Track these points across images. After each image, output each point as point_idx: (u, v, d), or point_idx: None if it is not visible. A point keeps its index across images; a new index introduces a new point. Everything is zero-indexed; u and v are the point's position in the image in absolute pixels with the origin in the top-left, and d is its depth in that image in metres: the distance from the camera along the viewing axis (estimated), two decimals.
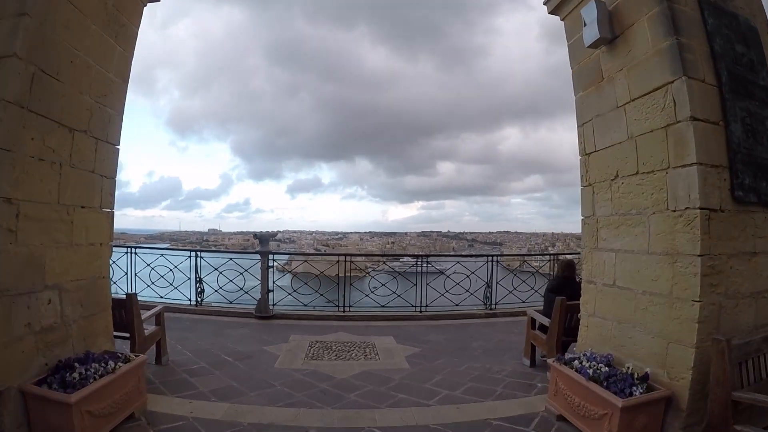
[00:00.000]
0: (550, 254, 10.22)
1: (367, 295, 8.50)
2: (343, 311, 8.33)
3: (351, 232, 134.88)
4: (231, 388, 4.68)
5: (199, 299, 8.79)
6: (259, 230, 8.36)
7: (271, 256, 8.15)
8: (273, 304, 8.33)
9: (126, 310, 4.90)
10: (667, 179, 3.76)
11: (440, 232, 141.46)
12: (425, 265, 8.56)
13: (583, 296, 4.67)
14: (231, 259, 8.56)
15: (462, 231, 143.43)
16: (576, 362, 4.03)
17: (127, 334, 4.93)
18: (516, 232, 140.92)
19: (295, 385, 4.80)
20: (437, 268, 8.77)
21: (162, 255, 9.20)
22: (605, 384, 3.67)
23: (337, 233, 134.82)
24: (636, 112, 4.10)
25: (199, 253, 8.73)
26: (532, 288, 9.76)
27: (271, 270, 8.15)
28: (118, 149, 4.59)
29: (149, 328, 5.40)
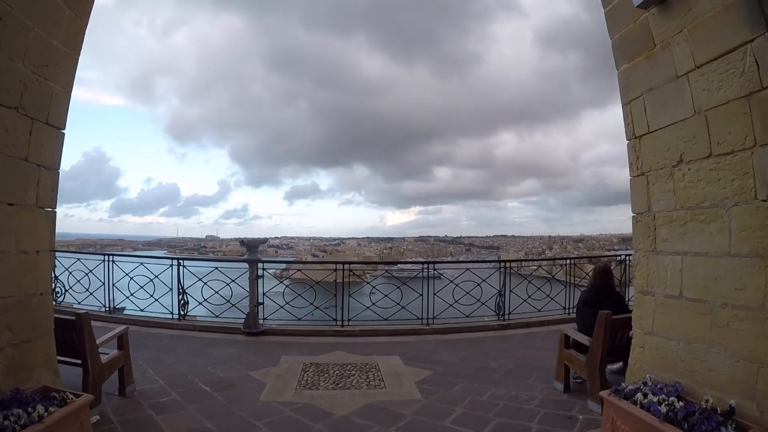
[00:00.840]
0: (568, 258, 9.32)
1: (368, 308, 7.58)
2: (342, 326, 7.42)
3: (349, 238, 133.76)
4: None
5: (182, 312, 7.88)
6: (249, 236, 7.47)
7: (260, 265, 7.24)
8: (263, 319, 7.42)
9: (77, 333, 3.99)
10: (754, 160, 2.90)
11: (438, 236, 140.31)
12: (431, 271, 7.64)
13: (637, 310, 3.80)
14: (216, 268, 7.64)
15: (459, 235, 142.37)
16: (639, 395, 3.15)
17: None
18: (513, 235, 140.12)
19: (284, 427, 3.89)
20: (446, 276, 7.85)
21: (141, 263, 8.27)
22: (685, 426, 2.79)
23: (334, 239, 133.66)
24: (704, 81, 3.24)
25: (181, 261, 7.82)
26: (548, 296, 8.90)
27: (260, 280, 7.24)
28: (63, 134, 3.71)
29: (109, 353, 4.50)
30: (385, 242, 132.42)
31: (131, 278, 8.22)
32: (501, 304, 8.29)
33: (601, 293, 4.96)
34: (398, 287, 7.61)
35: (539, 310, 8.75)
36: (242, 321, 7.24)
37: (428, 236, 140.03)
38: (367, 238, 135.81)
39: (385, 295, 7.63)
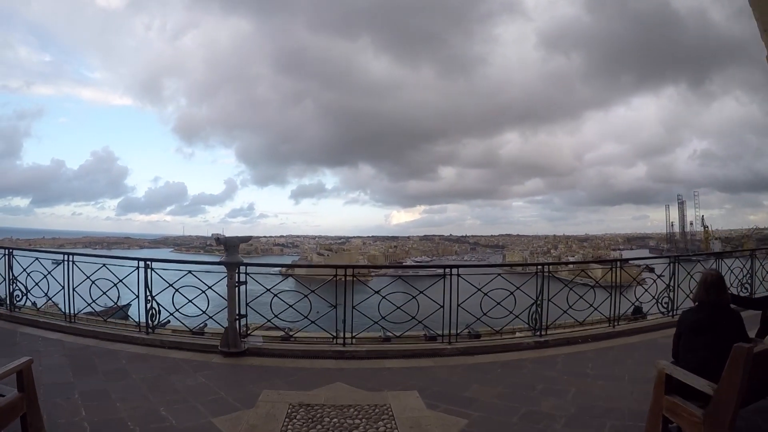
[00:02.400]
0: (615, 260, 7.68)
1: (376, 323, 6.01)
2: (343, 343, 5.86)
3: (354, 237, 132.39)
4: None
5: (151, 323, 6.38)
6: (237, 233, 5.97)
7: (242, 269, 5.70)
8: (247, 334, 5.90)
9: None
10: None
11: (442, 235, 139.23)
12: (453, 276, 6.05)
13: None
14: (190, 272, 6.10)
15: (464, 234, 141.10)
16: None
17: None
18: (518, 234, 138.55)
19: None
20: (469, 281, 6.27)
21: (104, 265, 6.78)
22: None
23: (340, 237, 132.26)
24: None
25: (149, 263, 6.31)
26: (591, 305, 7.34)
27: (242, 288, 5.70)
28: None
29: (4, 397, 3.01)
30: (390, 241, 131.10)
31: (93, 282, 6.73)
32: (537, 316, 6.72)
33: (714, 314, 3.41)
34: (413, 297, 6.03)
35: (581, 323, 7.19)
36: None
37: (433, 235, 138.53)
38: (372, 236, 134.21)
39: (398, 307, 6.06)
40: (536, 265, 6.70)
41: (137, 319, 6.51)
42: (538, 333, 6.76)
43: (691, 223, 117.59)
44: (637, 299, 8.21)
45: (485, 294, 6.19)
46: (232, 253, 5.40)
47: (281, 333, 6.03)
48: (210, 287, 5.92)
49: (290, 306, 5.91)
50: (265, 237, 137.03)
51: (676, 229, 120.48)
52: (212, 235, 5.35)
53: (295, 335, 6.00)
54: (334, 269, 5.73)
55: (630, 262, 9.03)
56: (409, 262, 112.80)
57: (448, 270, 5.87)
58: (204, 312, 6.11)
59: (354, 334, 5.84)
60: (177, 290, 6.17)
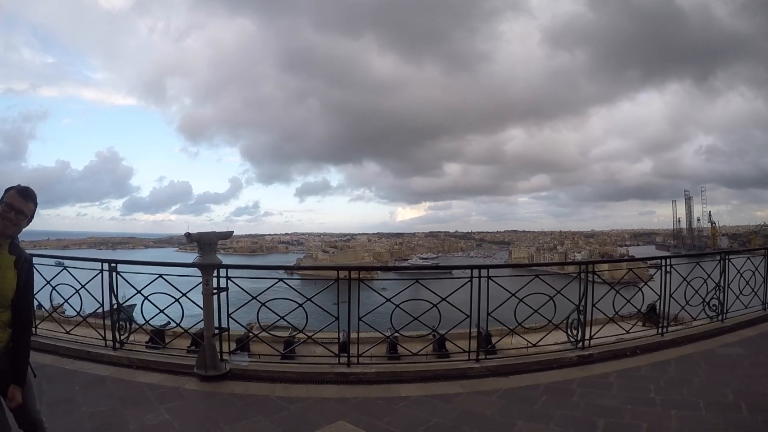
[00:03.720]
0: (665, 257, 6.45)
1: (388, 338, 4.87)
2: (348, 362, 4.72)
3: (359, 234, 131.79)
4: None
5: (119, 336, 5.30)
6: (219, 229, 4.85)
7: (221, 272, 4.57)
8: (229, 352, 4.78)
9: None
10: None
11: (448, 232, 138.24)
12: (483, 279, 4.87)
13: None
14: (161, 275, 4.98)
15: (470, 230, 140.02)
16: None
17: None
18: (524, 231, 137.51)
19: None
20: (503, 286, 5.10)
21: (65, 268, 5.68)
22: None
23: (345, 235, 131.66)
24: None
25: (115, 265, 5.21)
26: (639, 310, 6.23)
27: (223, 296, 4.58)
28: None
29: None
30: (395, 237, 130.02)
31: (53, 287, 5.64)
32: (579, 324, 5.59)
33: None
34: (434, 305, 4.84)
35: (627, 332, 6.07)
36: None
37: (438, 231, 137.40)
38: (378, 233, 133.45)
39: (415, 318, 4.92)
40: (580, 264, 5.54)
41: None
42: (580, 344, 5.65)
43: (699, 219, 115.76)
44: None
45: (520, 300, 5.04)
46: (207, 252, 4.27)
47: (272, 350, 4.90)
48: (184, 294, 4.79)
49: (281, 317, 4.77)
50: (270, 235, 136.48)
51: (683, 225, 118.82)
52: (186, 233, 4.20)
53: (288, 352, 4.85)
54: (336, 271, 4.59)
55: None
56: (414, 259, 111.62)
57: (476, 272, 4.71)
58: (178, 324, 4.98)
59: (361, 352, 4.70)
60: (146, 298, 5.07)
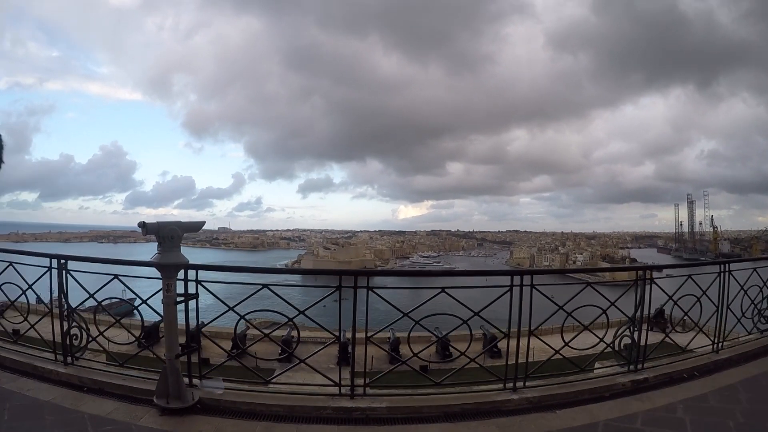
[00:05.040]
0: (720, 261, 5.34)
1: (404, 362, 3.73)
2: (351, 393, 3.63)
3: (361, 231, 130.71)
4: None
5: (71, 351, 4.25)
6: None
7: (189, 274, 3.49)
8: (200, 376, 3.71)
9: None
10: None
11: (450, 231, 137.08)
12: (525, 287, 3.75)
13: None
14: (116, 276, 3.89)
15: (471, 230, 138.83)
16: None
17: None
18: (525, 231, 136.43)
19: None
20: (555, 303, 3.99)
21: (11, 264, 4.62)
22: None
23: (347, 232, 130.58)
24: None
25: (64, 263, 4.15)
26: (696, 325, 5.14)
27: (192, 305, 3.51)
28: None
29: None
30: (397, 235, 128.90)
31: None
32: (635, 341, 4.54)
33: None
34: (464, 321, 3.73)
35: (684, 349, 5.05)
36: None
37: (440, 230, 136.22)
38: (379, 231, 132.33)
39: (440, 338, 3.84)
40: (637, 269, 4.46)
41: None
42: (633, 365, 4.60)
43: (700, 223, 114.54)
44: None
45: (569, 314, 3.95)
46: (168, 248, 3.19)
47: (255, 375, 3.80)
48: (144, 301, 3.72)
49: (267, 336, 3.68)
50: (271, 231, 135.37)
51: (685, 228, 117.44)
52: (141, 223, 3.12)
53: (275, 378, 3.76)
54: (338, 276, 3.50)
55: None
56: (415, 257, 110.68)
57: (517, 278, 3.62)
58: (137, 339, 3.91)
59: (368, 381, 3.61)
60: (99, 304, 3.99)
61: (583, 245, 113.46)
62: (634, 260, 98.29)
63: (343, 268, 3.31)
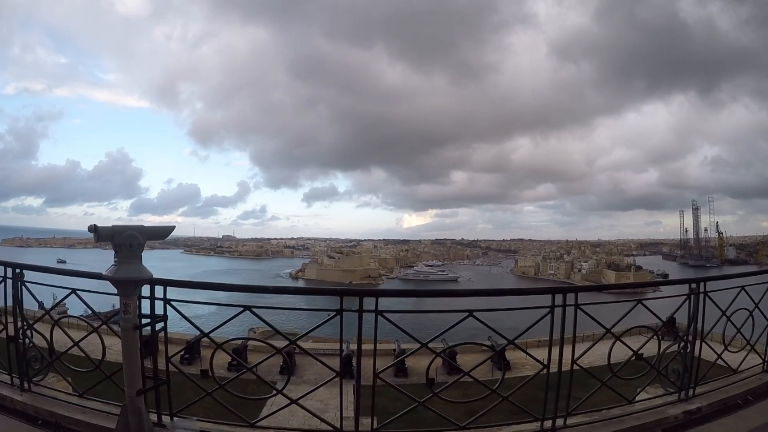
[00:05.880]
0: None
1: (421, 403, 2.99)
2: None
3: (365, 240, 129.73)
4: None
5: (28, 374, 3.60)
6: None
7: (156, 291, 2.82)
8: (170, 414, 3.03)
9: None
10: None
11: (454, 239, 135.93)
12: (567, 308, 3.05)
13: None
14: (74, 291, 3.23)
15: (476, 238, 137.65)
16: None
17: None
18: (530, 239, 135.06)
19: None
20: (602, 325, 3.29)
21: None
22: None
23: (351, 240, 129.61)
24: None
25: (20, 272, 3.50)
26: (747, 342, 4.45)
27: (158, 329, 2.84)
28: None
29: None
30: (401, 244, 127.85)
31: None
32: (685, 364, 3.85)
33: None
34: (497, 351, 3.04)
35: (735, 371, 4.38)
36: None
37: (444, 239, 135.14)
38: (384, 239, 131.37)
39: (468, 374, 3.08)
40: (690, 281, 3.76)
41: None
42: (683, 393, 3.92)
43: (706, 230, 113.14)
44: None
45: (618, 338, 3.26)
46: (126, 257, 2.53)
47: (237, 417, 3.11)
48: (105, 322, 3.05)
49: (249, 369, 2.98)
50: (275, 239, 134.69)
51: (690, 235, 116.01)
52: (91, 227, 2.46)
53: (260, 422, 3.05)
54: (339, 297, 2.74)
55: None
56: (420, 266, 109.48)
57: (559, 297, 2.92)
58: (97, 366, 3.23)
59: (378, 425, 2.91)
60: (56, 322, 3.33)
61: (588, 253, 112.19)
62: (639, 268, 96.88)
63: (346, 287, 2.55)
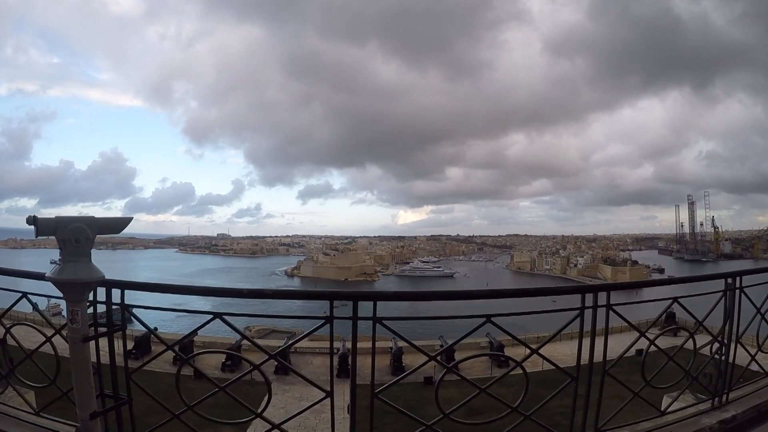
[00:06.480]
0: None
1: (431, 425, 2.56)
2: None
3: (360, 236, 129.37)
4: None
5: None
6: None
7: (114, 295, 2.38)
8: None
9: None
10: None
11: (449, 235, 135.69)
12: (599, 309, 2.62)
13: None
14: (25, 294, 2.78)
15: (471, 234, 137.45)
16: None
17: None
18: (526, 235, 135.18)
19: None
20: (636, 328, 2.87)
21: None
22: None
23: (346, 237, 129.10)
24: None
25: None
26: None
27: (120, 341, 2.39)
28: None
29: None
30: (396, 241, 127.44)
31: None
32: (720, 369, 3.45)
33: None
34: (519, 364, 2.53)
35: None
36: None
37: (440, 235, 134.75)
38: (379, 236, 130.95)
39: (478, 387, 2.65)
40: (726, 276, 3.34)
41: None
42: (717, 400, 3.52)
43: (702, 224, 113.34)
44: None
45: (652, 342, 2.83)
46: (72, 256, 2.09)
47: None
48: (58, 331, 2.60)
49: (230, 395, 2.53)
50: (271, 237, 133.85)
51: (686, 229, 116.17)
52: (30, 218, 2.02)
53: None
54: (329, 301, 2.27)
55: None
56: (415, 262, 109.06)
57: (589, 297, 2.48)
58: (53, 381, 2.77)
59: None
60: (8, 330, 2.87)
61: (584, 248, 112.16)
62: (635, 263, 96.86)
63: (336, 290, 2.11)
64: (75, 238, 2.09)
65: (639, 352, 3.11)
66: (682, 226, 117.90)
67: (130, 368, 2.44)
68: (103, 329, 2.39)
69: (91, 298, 2.43)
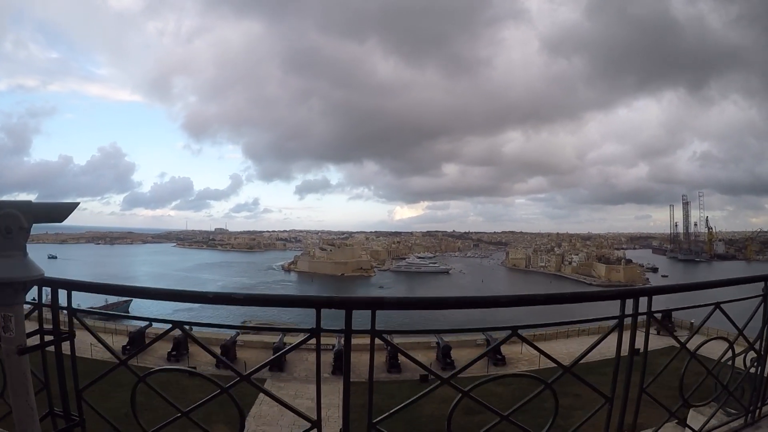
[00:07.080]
0: None
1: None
2: None
3: (357, 232, 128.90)
4: None
5: None
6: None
7: (59, 297, 1.97)
8: None
9: None
10: None
11: (445, 231, 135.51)
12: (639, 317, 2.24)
13: None
14: None
15: (467, 231, 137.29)
16: None
17: None
18: (521, 232, 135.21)
19: None
20: (678, 340, 2.47)
21: None
22: None
23: (343, 233, 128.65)
24: None
25: None
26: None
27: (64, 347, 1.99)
28: None
29: None
30: (393, 236, 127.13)
31: None
32: (755, 383, 3.08)
33: None
34: (547, 385, 2.14)
35: None
36: None
37: (436, 231, 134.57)
38: (375, 232, 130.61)
39: (477, 399, 2.25)
40: (765, 279, 2.95)
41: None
42: (750, 416, 3.15)
43: (695, 224, 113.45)
44: None
45: (693, 355, 2.44)
46: (3, 249, 1.70)
47: None
48: None
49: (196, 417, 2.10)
50: (268, 232, 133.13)
51: (680, 229, 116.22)
52: None
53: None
54: (316, 310, 1.87)
55: None
56: (412, 258, 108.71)
57: (629, 304, 2.08)
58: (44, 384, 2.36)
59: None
60: None
61: (579, 246, 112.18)
62: (629, 261, 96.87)
63: (325, 297, 1.67)
64: (5, 227, 1.67)
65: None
66: (676, 225, 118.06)
67: (84, 383, 2.02)
68: (50, 337, 1.98)
69: (42, 300, 2.04)
